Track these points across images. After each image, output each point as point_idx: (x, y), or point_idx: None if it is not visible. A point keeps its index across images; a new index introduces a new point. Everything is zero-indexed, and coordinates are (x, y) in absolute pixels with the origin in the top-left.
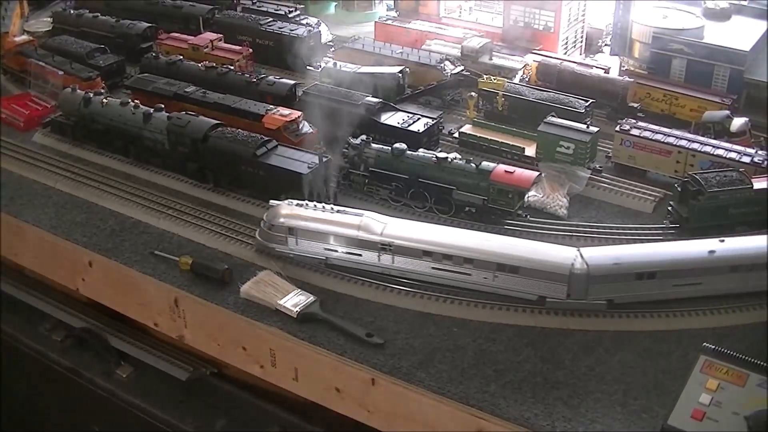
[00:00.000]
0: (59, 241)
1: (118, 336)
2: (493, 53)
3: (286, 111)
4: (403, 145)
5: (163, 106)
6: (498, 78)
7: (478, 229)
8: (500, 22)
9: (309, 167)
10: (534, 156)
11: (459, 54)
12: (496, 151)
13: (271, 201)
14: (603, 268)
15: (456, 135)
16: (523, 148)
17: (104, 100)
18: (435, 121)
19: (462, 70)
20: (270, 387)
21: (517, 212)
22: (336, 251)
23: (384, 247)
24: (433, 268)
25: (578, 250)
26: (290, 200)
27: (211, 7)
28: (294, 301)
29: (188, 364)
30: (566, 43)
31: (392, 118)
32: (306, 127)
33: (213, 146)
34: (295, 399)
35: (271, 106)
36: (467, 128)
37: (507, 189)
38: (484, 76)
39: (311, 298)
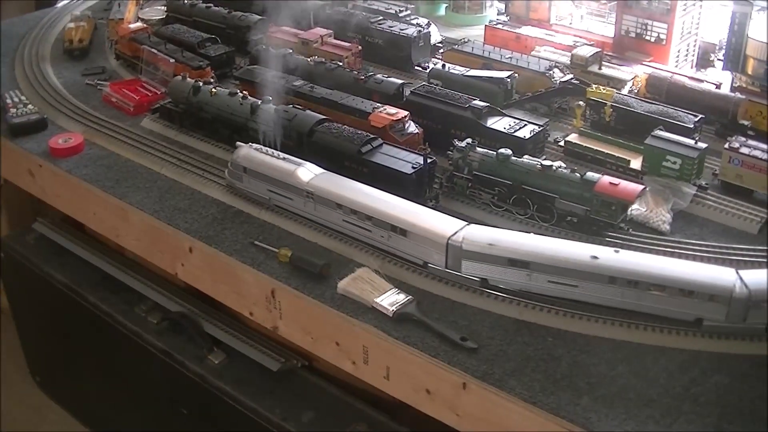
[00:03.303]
0: (161, 226)
1: (212, 322)
2: (603, 63)
3: (392, 110)
4: (509, 151)
5: (271, 98)
6: (607, 88)
7: (578, 239)
8: (612, 31)
9: (413, 167)
10: (639, 169)
11: (568, 62)
12: (600, 161)
13: (237, 143)
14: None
15: (561, 143)
16: (629, 161)
17: (213, 90)
18: (541, 128)
19: (571, 79)
20: (359, 383)
21: (619, 225)
22: (275, 193)
23: (308, 195)
24: (344, 220)
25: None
26: (251, 144)
27: (323, 2)
28: (390, 299)
29: (279, 355)
30: (678, 56)
31: (498, 123)
32: (412, 127)
33: (318, 141)
34: (382, 397)
35: (378, 104)
36: (573, 137)
37: (611, 201)
38: (593, 86)
39: (408, 297)
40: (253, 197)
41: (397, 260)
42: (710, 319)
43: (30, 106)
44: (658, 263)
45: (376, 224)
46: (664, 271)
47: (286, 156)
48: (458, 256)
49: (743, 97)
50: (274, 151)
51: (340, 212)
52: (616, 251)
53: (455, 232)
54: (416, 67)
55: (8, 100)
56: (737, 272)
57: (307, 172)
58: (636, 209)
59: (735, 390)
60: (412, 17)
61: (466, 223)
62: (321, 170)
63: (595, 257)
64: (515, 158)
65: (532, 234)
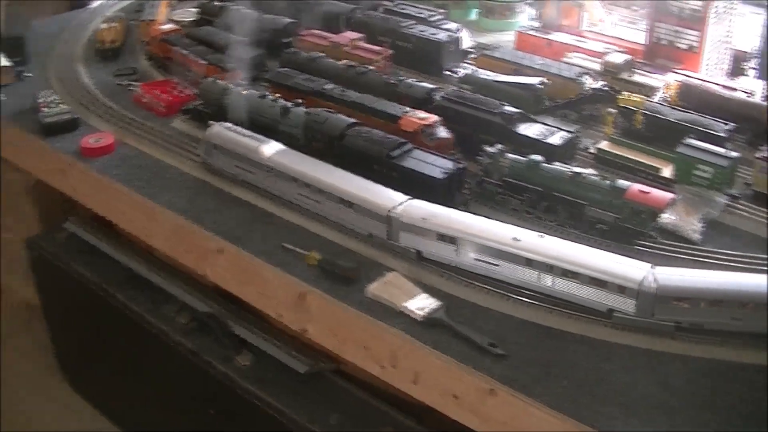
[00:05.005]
0: (191, 226)
1: (240, 323)
2: (634, 70)
3: (423, 114)
4: (539, 157)
5: (302, 101)
6: (638, 95)
7: (606, 247)
8: (643, 38)
9: (443, 172)
10: (670, 177)
11: (599, 69)
12: (631, 169)
13: (209, 121)
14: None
15: (592, 150)
16: (659, 169)
17: (244, 92)
18: (572, 134)
19: (602, 86)
20: (386, 387)
21: (649, 233)
22: (240, 169)
23: (269, 170)
24: (299, 194)
25: None
26: (221, 123)
27: (354, 6)
28: (419, 304)
29: (307, 357)
30: (709, 64)
31: (529, 129)
32: (442, 132)
33: (348, 144)
34: (409, 401)
35: (408, 109)
36: (604, 144)
37: (641, 209)
38: (624, 93)
39: (437, 302)
40: (223, 173)
41: (427, 265)
42: (620, 311)
43: (62, 106)
44: (576, 251)
45: (328, 198)
46: (578, 259)
47: (254, 135)
48: (397, 228)
49: None
50: (243, 130)
51: (296, 186)
52: (541, 236)
53: (396, 206)
54: (447, 72)
55: (41, 100)
56: (651, 267)
57: (269, 148)
58: (666, 218)
59: (753, 400)
60: (443, 22)
61: (409, 197)
62: (283, 147)
63: (517, 239)
64: (545, 165)
65: (468, 213)
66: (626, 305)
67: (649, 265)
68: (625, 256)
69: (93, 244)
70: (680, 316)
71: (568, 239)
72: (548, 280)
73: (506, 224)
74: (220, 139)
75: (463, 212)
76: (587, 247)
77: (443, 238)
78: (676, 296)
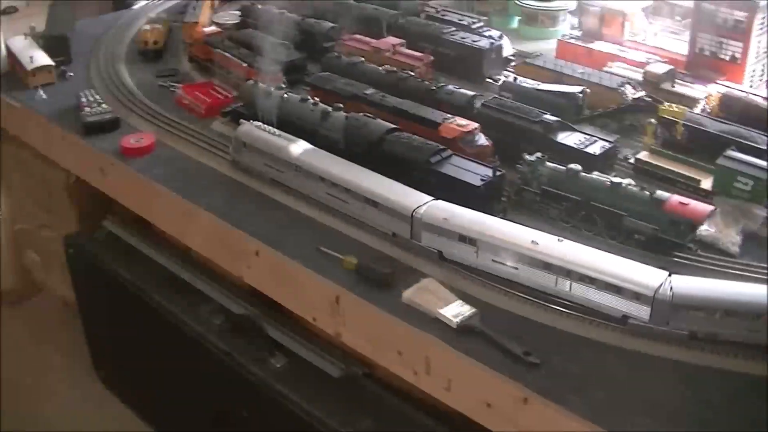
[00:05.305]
0: (229, 228)
1: (275, 326)
2: (676, 80)
3: (463, 121)
4: (578, 166)
5: (342, 105)
6: (679, 106)
7: (643, 259)
8: (685, 48)
9: (482, 180)
10: (710, 189)
11: (641, 78)
12: (671, 180)
13: (241, 120)
14: None
15: (631, 161)
16: (699, 180)
17: (284, 95)
18: (611, 144)
19: (643, 96)
20: (418, 393)
21: (688, 245)
22: (268, 167)
23: (296, 169)
24: (326, 193)
25: None
26: (252, 121)
27: (396, 12)
28: (454, 311)
29: (340, 361)
30: (753, 76)
31: (569, 138)
32: (482, 140)
33: (387, 150)
34: (441, 408)
35: (449, 115)
36: (643, 155)
37: (680, 220)
38: (665, 104)
39: (472, 310)
40: (252, 171)
41: (463, 272)
42: (635, 317)
43: (104, 106)
44: (594, 257)
45: (353, 197)
46: (596, 265)
47: (283, 133)
48: (419, 227)
49: None
50: (274, 130)
51: (323, 185)
52: (560, 240)
53: (419, 206)
54: (487, 80)
55: (83, 99)
56: (669, 274)
57: (297, 147)
58: (705, 230)
59: None
60: (485, 29)
61: (432, 198)
62: (310, 146)
63: (536, 242)
64: (584, 174)
65: (491, 216)
66: (641, 312)
67: (667, 273)
68: (660, 267)
69: (130, 243)
70: (695, 325)
71: (600, 248)
72: (566, 285)
73: (527, 228)
74: (250, 137)
75: (485, 215)
76: (606, 253)
77: (463, 239)
78: (692, 305)
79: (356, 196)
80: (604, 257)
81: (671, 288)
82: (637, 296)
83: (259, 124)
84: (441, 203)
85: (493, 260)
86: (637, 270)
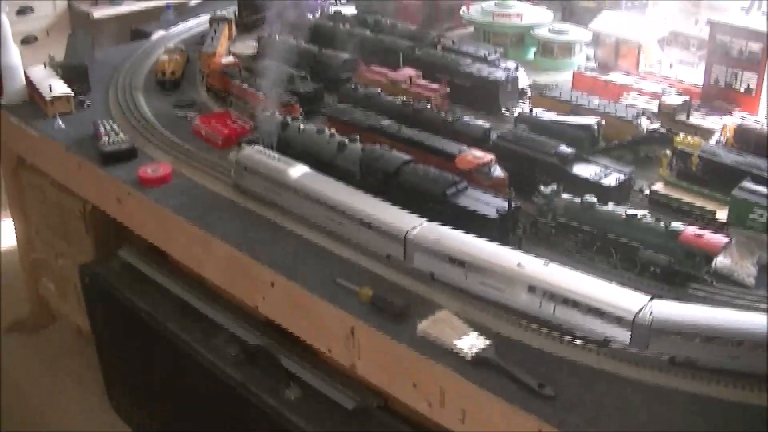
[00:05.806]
0: (245, 258)
1: (289, 357)
2: (691, 112)
3: (479, 153)
4: (594, 198)
5: (358, 137)
6: (694, 137)
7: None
8: (700, 79)
9: (498, 211)
10: (725, 221)
11: (656, 110)
12: (686, 212)
13: (242, 143)
14: None
15: (647, 192)
16: (714, 212)
17: (301, 126)
18: (627, 176)
19: (658, 127)
20: (432, 425)
21: (703, 277)
22: (268, 191)
23: (294, 192)
24: (325, 216)
25: None
26: (255, 145)
27: (413, 43)
28: (469, 343)
29: (355, 393)
30: None
31: (584, 170)
32: (497, 171)
33: (403, 181)
34: None
35: (465, 147)
36: (659, 186)
37: (695, 252)
38: (681, 135)
39: (486, 342)
40: (253, 194)
41: (478, 304)
42: (616, 341)
43: (121, 135)
44: (577, 281)
45: (349, 219)
46: (579, 288)
47: (286, 158)
48: (412, 249)
49: None
50: (275, 154)
51: (321, 208)
52: (546, 264)
53: (413, 228)
54: (503, 111)
55: (100, 128)
56: (651, 299)
57: (296, 171)
58: (721, 261)
59: None
60: (501, 61)
61: (426, 220)
62: (309, 170)
63: (521, 265)
64: (600, 206)
65: (482, 240)
66: (622, 336)
67: (649, 297)
68: (675, 299)
69: (145, 273)
70: (675, 350)
71: (614, 280)
72: (550, 307)
73: (516, 251)
74: (251, 161)
75: (476, 238)
76: (590, 277)
77: (453, 260)
78: (671, 330)
79: (352, 218)
80: (588, 281)
81: (651, 312)
82: (618, 320)
83: (260, 148)
84: (434, 225)
85: (481, 283)
86: (619, 294)
